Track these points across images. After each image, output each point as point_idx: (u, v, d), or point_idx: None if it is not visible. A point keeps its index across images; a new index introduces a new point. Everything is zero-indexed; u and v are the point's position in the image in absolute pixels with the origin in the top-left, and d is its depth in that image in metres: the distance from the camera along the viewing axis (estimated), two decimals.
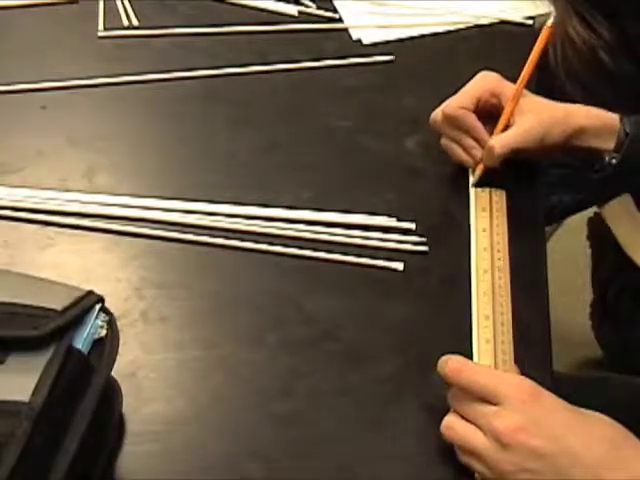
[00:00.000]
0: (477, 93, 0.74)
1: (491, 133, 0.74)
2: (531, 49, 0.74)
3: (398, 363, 0.65)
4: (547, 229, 1.08)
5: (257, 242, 0.72)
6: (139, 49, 0.91)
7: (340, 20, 0.95)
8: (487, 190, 0.75)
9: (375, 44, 0.92)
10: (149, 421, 0.62)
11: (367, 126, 0.83)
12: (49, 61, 0.89)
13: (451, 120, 0.74)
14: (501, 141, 0.72)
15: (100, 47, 0.91)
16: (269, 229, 0.73)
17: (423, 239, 0.72)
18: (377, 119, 0.84)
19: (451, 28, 0.94)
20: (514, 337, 0.65)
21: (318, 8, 0.96)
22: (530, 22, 0.95)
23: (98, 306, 0.55)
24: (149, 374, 0.64)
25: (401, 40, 0.93)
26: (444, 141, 0.76)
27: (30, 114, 0.84)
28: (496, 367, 0.64)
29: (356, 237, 0.73)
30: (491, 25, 0.95)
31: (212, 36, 0.92)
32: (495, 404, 0.55)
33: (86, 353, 0.53)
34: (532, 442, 0.53)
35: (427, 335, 0.67)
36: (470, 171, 0.76)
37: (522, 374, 0.58)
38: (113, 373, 0.56)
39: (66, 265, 0.71)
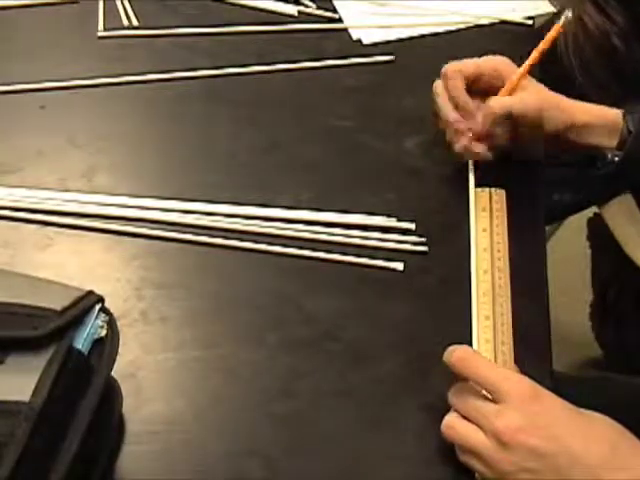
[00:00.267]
0: (482, 65, 0.74)
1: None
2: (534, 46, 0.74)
3: (398, 363, 0.65)
4: (547, 229, 1.08)
5: (257, 242, 0.72)
6: (139, 49, 0.91)
7: (340, 20, 0.95)
8: (487, 190, 0.75)
9: (375, 44, 0.92)
10: (149, 421, 0.62)
11: (367, 126, 0.83)
12: (49, 61, 0.89)
13: (444, 80, 0.74)
14: (501, 102, 0.72)
15: (100, 47, 0.91)
16: (269, 229, 0.73)
17: (423, 239, 0.72)
18: (377, 119, 0.84)
19: (451, 28, 0.94)
20: (514, 337, 0.65)
21: (318, 8, 0.96)
22: (530, 22, 0.95)
23: (98, 306, 0.55)
24: (149, 374, 0.64)
25: (401, 40, 0.93)
26: (440, 101, 0.75)
27: (30, 114, 0.84)
28: None
29: (356, 237, 0.73)
30: (491, 25, 0.95)
31: (212, 36, 0.92)
32: (496, 400, 0.55)
33: (86, 353, 0.53)
34: (532, 442, 0.53)
35: (427, 335, 0.67)
36: (470, 171, 0.76)
37: (522, 374, 0.58)
38: (113, 373, 0.56)
39: (66, 265, 0.71)
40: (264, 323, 0.68)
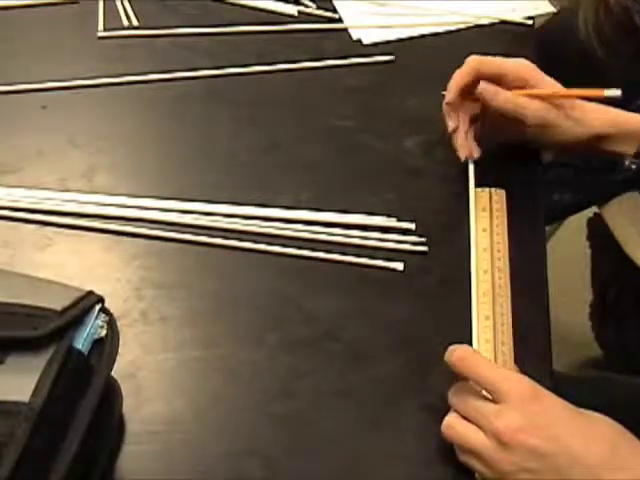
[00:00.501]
0: (505, 65, 0.73)
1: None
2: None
3: (398, 363, 0.65)
4: (547, 229, 1.08)
5: (257, 242, 0.72)
6: (139, 49, 0.91)
7: (340, 20, 0.95)
8: (487, 190, 0.75)
9: (375, 44, 0.92)
10: (149, 421, 0.62)
11: (367, 126, 0.83)
12: (49, 61, 0.89)
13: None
14: (514, 100, 0.71)
15: (100, 47, 0.91)
16: (269, 229, 0.73)
17: (423, 239, 0.72)
18: (377, 119, 0.84)
19: (451, 28, 0.94)
20: (514, 337, 0.65)
21: (318, 8, 0.96)
22: (530, 22, 0.95)
23: (98, 306, 0.55)
24: (149, 374, 0.64)
25: (401, 40, 0.93)
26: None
27: (30, 114, 0.84)
28: None
29: (356, 237, 0.73)
30: (491, 25, 0.95)
31: (212, 36, 0.92)
32: (496, 400, 0.55)
33: (86, 353, 0.53)
34: (532, 442, 0.53)
35: (427, 335, 0.67)
36: (470, 171, 0.76)
37: (522, 374, 0.58)
38: (113, 373, 0.56)
39: (66, 265, 0.71)
40: (264, 323, 0.68)
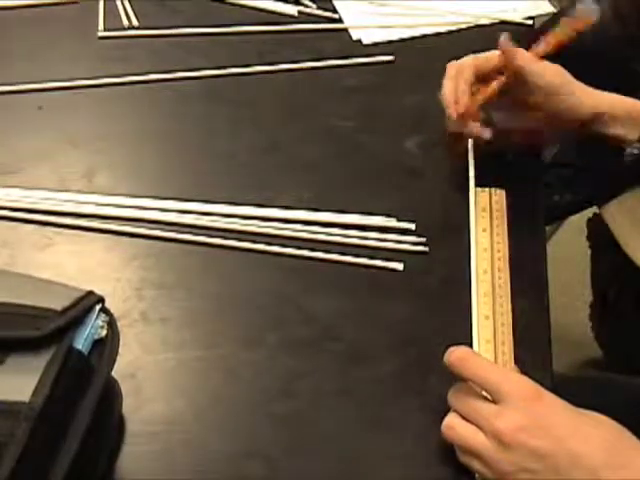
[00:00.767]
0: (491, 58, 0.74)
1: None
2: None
3: (398, 363, 0.65)
4: (547, 229, 1.08)
5: (257, 242, 0.72)
6: (139, 49, 0.91)
7: (340, 20, 0.95)
8: (487, 190, 0.75)
9: (375, 44, 0.92)
10: (149, 421, 0.62)
11: (367, 126, 0.83)
12: (49, 61, 0.89)
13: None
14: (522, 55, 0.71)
15: (100, 47, 0.91)
16: (269, 229, 0.73)
17: (423, 239, 0.72)
18: (377, 119, 0.84)
19: (451, 28, 0.94)
20: (514, 337, 0.65)
21: (318, 8, 0.96)
22: (530, 22, 0.95)
23: (98, 306, 0.55)
24: (149, 374, 0.64)
25: (402, 40, 0.93)
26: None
27: (30, 114, 0.84)
28: None
29: (356, 237, 0.73)
30: (491, 25, 0.95)
31: (212, 36, 0.92)
32: (496, 400, 0.55)
33: (86, 353, 0.53)
34: (532, 442, 0.53)
35: (427, 335, 0.67)
36: (470, 171, 0.76)
37: (522, 374, 0.58)
38: (113, 373, 0.56)
39: (66, 265, 0.71)
40: (264, 323, 0.68)
